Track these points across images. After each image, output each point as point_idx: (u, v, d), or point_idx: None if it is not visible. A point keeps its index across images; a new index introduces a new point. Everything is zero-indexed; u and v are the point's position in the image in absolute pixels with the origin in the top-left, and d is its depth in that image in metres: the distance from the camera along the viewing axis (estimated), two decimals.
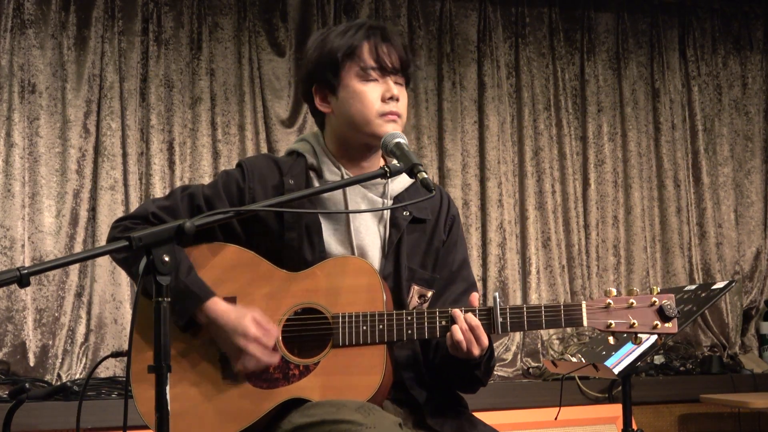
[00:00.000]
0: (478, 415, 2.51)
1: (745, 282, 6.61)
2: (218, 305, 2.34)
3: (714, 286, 3.58)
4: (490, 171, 6.16)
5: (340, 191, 2.45)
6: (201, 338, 2.38)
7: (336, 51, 2.44)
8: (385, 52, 2.43)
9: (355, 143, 2.48)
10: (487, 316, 2.28)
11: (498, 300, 2.28)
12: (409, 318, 2.30)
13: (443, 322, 2.29)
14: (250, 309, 2.34)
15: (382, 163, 2.55)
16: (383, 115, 2.41)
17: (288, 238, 2.43)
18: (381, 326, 2.29)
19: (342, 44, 2.44)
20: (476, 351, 2.29)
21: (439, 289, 2.52)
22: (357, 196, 2.47)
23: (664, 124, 6.56)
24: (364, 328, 2.30)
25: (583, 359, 3.78)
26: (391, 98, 2.42)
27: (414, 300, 2.47)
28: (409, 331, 2.29)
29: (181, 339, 2.38)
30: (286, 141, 5.83)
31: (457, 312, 2.28)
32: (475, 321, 2.27)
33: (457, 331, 2.26)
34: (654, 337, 2.66)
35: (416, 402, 2.44)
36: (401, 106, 2.44)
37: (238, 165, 2.54)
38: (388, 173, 2.22)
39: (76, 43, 5.58)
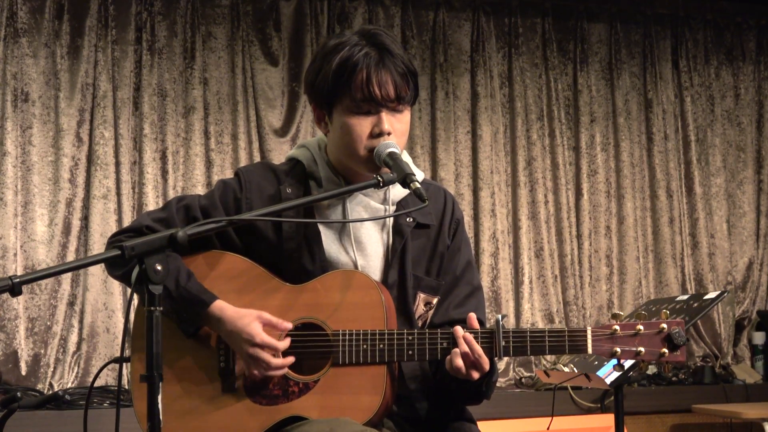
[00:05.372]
0: None
1: (737, 292, 6.62)
2: (224, 311, 2.29)
3: (706, 297, 3.57)
4: (483, 181, 6.17)
5: (339, 200, 2.40)
6: (201, 351, 2.35)
7: (328, 78, 2.31)
8: (378, 82, 2.28)
9: (349, 167, 2.40)
10: (489, 339, 2.22)
11: (501, 323, 2.21)
12: (410, 338, 2.25)
13: (444, 344, 2.24)
14: (257, 310, 2.29)
15: None
16: (371, 150, 2.30)
17: (287, 248, 2.37)
18: (381, 345, 2.25)
19: (335, 71, 2.30)
20: (476, 375, 2.23)
21: (443, 294, 2.46)
22: (358, 205, 2.41)
23: (657, 134, 6.57)
24: (365, 346, 2.25)
25: (575, 369, 3.77)
26: (380, 134, 2.29)
27: (420, 308, 2.43)
28: (410, 352, 2.25)
29: (181, 351, 2.35)
30: (279, 150, 5.83)
31: (459, 332, 2.22)
32: (478, 350, 2.21)
33: (457, 357, 2.21)
34: None
35: (419, 416, 2.41)
36: (395, 137, 2.32)
37: (236, 174, 2.47)
38: (380, 183, 2.18)
39: (70, 52, 5.57)
